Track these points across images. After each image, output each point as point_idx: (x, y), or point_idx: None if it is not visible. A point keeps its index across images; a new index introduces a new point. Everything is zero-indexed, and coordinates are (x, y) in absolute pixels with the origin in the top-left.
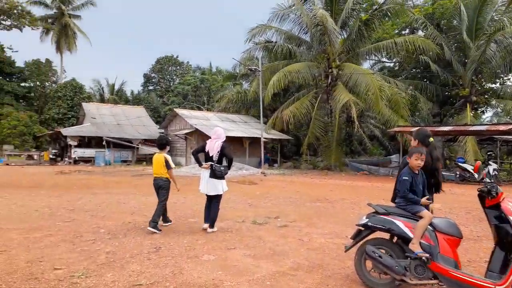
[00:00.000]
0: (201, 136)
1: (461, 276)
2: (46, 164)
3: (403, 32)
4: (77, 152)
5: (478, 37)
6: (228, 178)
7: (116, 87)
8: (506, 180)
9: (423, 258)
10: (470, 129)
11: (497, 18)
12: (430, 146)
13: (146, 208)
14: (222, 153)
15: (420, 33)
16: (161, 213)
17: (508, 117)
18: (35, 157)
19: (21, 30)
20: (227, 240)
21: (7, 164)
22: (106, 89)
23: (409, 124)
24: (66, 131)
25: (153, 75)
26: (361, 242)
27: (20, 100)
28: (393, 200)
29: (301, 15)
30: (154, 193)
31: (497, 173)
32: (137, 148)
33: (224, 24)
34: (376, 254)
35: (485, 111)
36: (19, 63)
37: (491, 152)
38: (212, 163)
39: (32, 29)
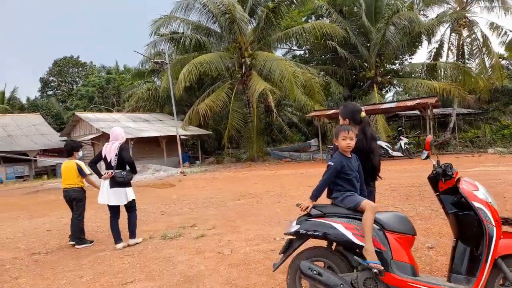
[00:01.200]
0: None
1: (422, 286)
2: None
3: (310, 21)
4: None
5: (378, 20)
6: (143, 183)
7: (7, 95)
8: (415, 152)
9: (375, 270)
10: (382, 107)
11: (392, 2)
12: (362, 122)
13: (23, 237)
14: (120, 157)
15: (326, 20)
16: (80, 229)
17: (407, 94)
18: None
19: None
20: (124, 270)
21: None
22: None
23: (325, 108)
24: None
25: (51, 78)
26: (293, 256)
27: None
28: (329, 195)
29: (207, 3)
30: (44, 213)
31: (408, 146)
32: (35, 160)
33: (128, 20)
34: (314, 271)
35: (388, 90)
36: None
37: (401, 128)
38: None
39: None
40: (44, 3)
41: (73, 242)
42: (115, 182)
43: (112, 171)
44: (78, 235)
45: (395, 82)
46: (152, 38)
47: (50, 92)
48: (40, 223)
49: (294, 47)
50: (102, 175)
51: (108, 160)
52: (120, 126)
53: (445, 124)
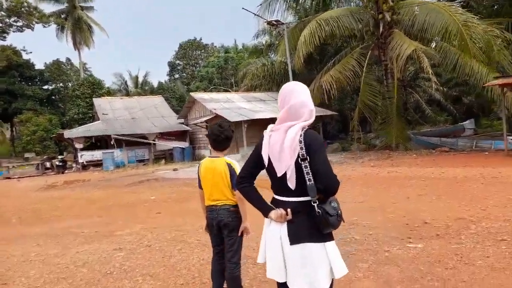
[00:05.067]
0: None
1: None
2: (51, 173)
3: None
4: (85, 156)
5: None
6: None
7: (140, 79)
8: None
9: None
10: None
11: None
12: None
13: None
14: (311, 162)
15: None
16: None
17: None
18: (47, 165)
19: (32, 29)
20: None
21: (8, 178)
22: (130, 83)
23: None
24: (69, 132)
25: (177, 62)
26: None
27: (46, 104)
28: None
29: None
30: (113, 230)
31: None
32: (154, 144)
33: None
34: None
35: None
36: (40, 65)
37: None
38: (316, 202)
39: (44, 26)
40: None
41: None
42: (305, 229)
43: (293, 204)
44: None
45: None
46: None
47: (176, 76)
48: (94, 256)
49: None
50: (271, 208)
51: (279, 174)
52: (234, 107)
53: None
